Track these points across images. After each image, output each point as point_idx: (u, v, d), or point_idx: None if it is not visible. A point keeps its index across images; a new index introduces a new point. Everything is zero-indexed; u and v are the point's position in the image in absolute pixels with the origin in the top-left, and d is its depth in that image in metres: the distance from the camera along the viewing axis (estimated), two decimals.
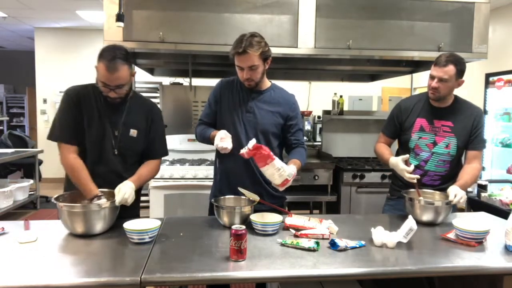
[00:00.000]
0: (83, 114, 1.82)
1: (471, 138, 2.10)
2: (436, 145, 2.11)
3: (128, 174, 1.84)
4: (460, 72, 2.01)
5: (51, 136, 1.83)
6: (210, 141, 2.01)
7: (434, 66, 2.03)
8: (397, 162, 2.04)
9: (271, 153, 1.76)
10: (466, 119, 2.10)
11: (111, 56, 1.71)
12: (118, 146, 1.87)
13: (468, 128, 2.09)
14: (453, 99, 2.13)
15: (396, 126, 2.24)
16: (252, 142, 1.74)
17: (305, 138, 5.07)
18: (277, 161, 1.76)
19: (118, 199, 1.67)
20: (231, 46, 1.91)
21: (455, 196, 1.85)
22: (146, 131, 1.93)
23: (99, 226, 1.63)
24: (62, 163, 1.82)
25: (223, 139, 1.89)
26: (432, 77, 2.04)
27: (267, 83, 2.07)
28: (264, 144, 2.00)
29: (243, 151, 1.76)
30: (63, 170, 1.85)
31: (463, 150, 2.13)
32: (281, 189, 1.82)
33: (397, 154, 2.24)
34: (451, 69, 1.98)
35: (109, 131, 1.85)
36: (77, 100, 1.82)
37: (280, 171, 1.76)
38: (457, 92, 2.13)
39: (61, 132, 1.82)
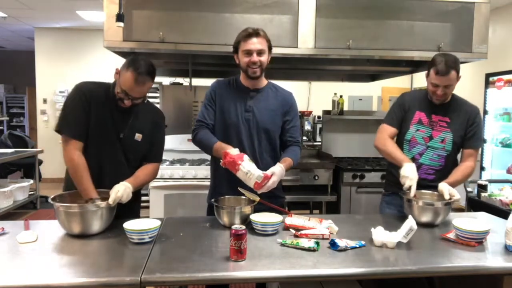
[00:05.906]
0: (91, 112, 1.81)
1: (467, 136, 2.12)
2: (432, 139, 2.13)
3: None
4: (459, 72, 2.01)
5: (61, 129, 1.80)
6: (212, 151, 1.97)
7: (435, 75, 1.98)
8: (413, 171, 1.94)
9: (238, 158, 1.76)
10: (462, 116, 2.12)
11: (143, 69, 1.71)
12: (122, 149, 1.87)
13: (463, 125, 2.12)
14: (451, 96, 2.14)
15: (402, 115, 2.19)
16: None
17: (305, 138, 5.10)
18: (245, 164, 1.76)
19: (111, 198, 1.66)
20: (236, 39, 1.95)
21: (450, 196, 1.85)
22: (150, 136, 1.94)
23: (96, 226, 1.63)
24: (66, 159, 1.79)
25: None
26: (435, 86, 2.01)
27: (264, 81, 2.07)
28: (267, 143, 2.01)
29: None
30: (63, 170, 1.84)
31: (460, 146, 2.14)
32: (258, 191, 1.80)
33: None
34: (453, 75, 1.98)
35: (115, 132, 1.85)
36: (89, 97, 1.81)
37: (248, 175, 1.76)
38: (457, 91, 2.15)
39: (71, 126, 1.80)
